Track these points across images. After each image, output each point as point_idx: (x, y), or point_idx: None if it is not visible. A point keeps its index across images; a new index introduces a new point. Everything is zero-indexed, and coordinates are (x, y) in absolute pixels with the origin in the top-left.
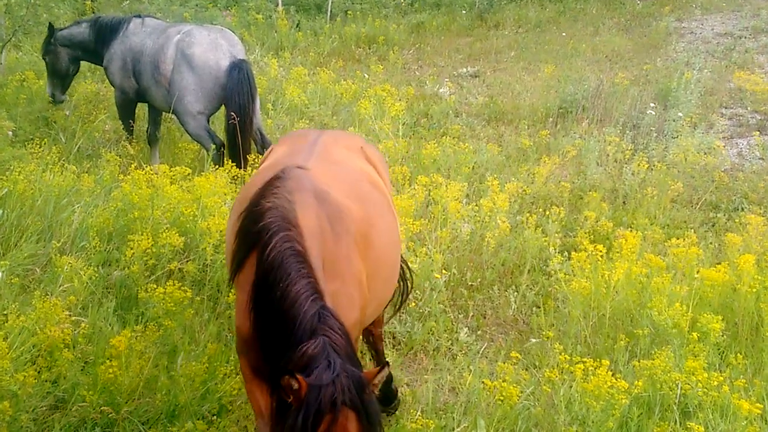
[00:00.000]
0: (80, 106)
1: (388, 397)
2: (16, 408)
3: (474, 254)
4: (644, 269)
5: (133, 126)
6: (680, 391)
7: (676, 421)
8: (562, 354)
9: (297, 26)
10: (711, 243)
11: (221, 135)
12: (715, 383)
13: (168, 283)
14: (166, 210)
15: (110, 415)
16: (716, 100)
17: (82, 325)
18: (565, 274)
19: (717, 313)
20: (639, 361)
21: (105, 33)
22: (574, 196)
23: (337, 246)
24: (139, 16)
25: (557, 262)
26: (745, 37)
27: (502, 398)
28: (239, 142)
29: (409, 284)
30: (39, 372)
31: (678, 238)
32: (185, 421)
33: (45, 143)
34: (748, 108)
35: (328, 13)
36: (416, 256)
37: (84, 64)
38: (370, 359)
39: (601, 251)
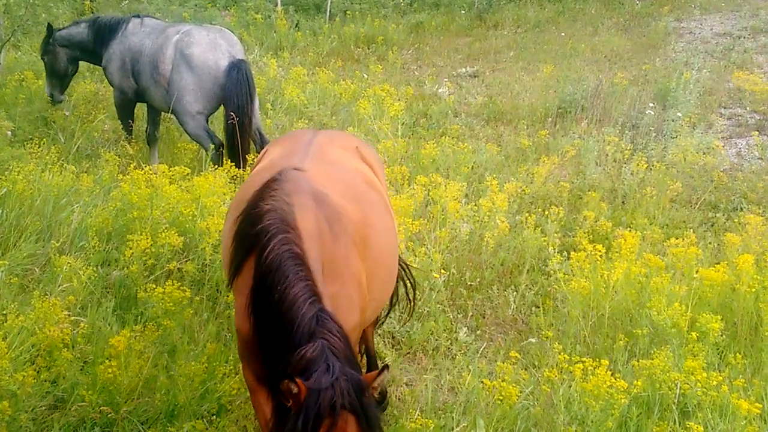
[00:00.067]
0: (79, 106)
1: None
2: (16, 408)
3: (473, 254)
4: (643, 269)
5: (132, 126)
6: (679, 391)
7: (675, 420)
8: (562, 354)
9: (296, 26)
10: (710, 243)
11: (220, 135)
12: (714, 383)
13: (167, 283)
14: (165, 210)
15: (109, 415)
16: (715, 100)
17: (81, 324)
18: (564, 273)
19: (716, 313)
20: (638, 361)
21: (104, 33)
22: (573, 196)
23: (336, 248)
24: (138, 16)
25: (556, 262)
26: (744, 37)
27: (501, 398)
28: (238, 142)
29: (409, 283)
30: (38, 372)
31: (677, 238)
32: (184, 421)
33: (44, 143)
34: (747, 108)
35: (327, 13)
36: (415, 256)
37: (83, 64)
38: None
39: (600, 251)
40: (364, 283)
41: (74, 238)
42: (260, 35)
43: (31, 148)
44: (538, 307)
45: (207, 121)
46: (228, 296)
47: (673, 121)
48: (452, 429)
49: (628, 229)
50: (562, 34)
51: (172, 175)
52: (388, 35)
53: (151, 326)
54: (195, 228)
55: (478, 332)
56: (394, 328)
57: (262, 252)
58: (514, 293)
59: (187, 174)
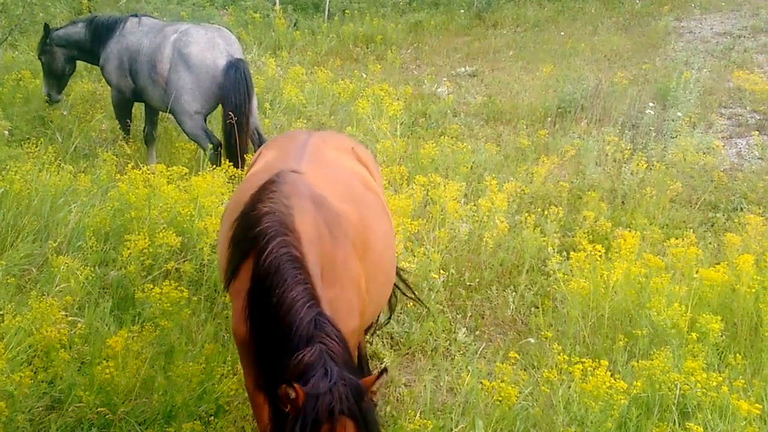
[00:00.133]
0: (77, 105)
1: None
2: (13, 408)
3: (472, 254)
4: (643, 269)
5: (129, 125)
6: (679, 392)
7: (675, 421)
8: (561, 354)
9: (295, 25)
10: (710, 243)
11: (218, 134)
12: (714, 383)
13: (165, 283)
14: (163, 210)
15: (107, 416)
16: (715, 99)
17: (79, 325)
18: (563, 274)
19: (716, 314)
20: (638, 362)
21: (101, 32)
22: (573, 196)
23: (335, 251)
24: (136, 15)
25: (556, 262)
26: (744, 37)
27: (500, 398)
28: (236, 141)
29: (403, 285)
30: (35, 372)
31: (677, 238)
32: (182, 422)
33: (41, 143)
34: (747, 108)
35: (326, 12)
36: (414, 256)
37: (80, 64)
38: None
39: (599, 251)
40: (363, 286)
41: (71, 238)
42: (258, 34)
43: (28, 147)
44: (538, 308)
45: (205, 121)
46: (226, 297)
47: (673, 120)
48: (451, 430)
49: (628, 229)
50: (562, 33)
51: (170, 174)
52: (387, 34)
53: (149, 327)
54: (193, 228)
55: (477, 333)
56: (393, 328)
57: (261, 254)
58: (514, 293)
59: (185, 174)
